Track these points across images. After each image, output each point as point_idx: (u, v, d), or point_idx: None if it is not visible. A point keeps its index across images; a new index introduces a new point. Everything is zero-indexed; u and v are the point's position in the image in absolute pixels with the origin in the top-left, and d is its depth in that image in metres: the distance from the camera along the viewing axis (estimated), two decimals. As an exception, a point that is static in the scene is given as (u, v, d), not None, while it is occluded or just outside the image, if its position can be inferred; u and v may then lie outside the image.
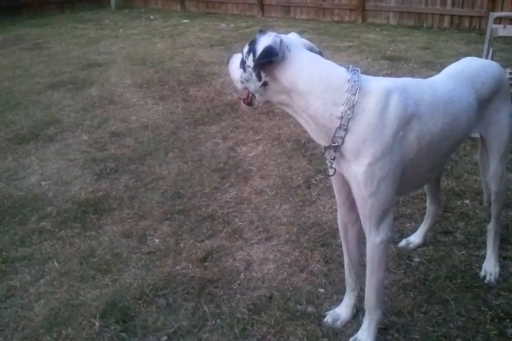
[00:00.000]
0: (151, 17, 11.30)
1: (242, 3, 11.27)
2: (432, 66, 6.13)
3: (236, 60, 1.86)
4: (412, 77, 5.69)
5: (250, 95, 1.86)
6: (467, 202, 3.18)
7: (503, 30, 4.20)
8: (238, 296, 2.46)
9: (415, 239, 2.78)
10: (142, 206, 3.34)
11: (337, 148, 1.79)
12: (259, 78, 1.76)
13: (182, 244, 2.91)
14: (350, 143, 1.76)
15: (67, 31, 9.88)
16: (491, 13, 4.30)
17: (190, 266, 2.71)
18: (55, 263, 2.78)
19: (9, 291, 2.58)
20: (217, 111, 5.01)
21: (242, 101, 1.91)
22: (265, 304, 2.39)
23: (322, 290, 2.48)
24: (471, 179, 3.45)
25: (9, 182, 3.75)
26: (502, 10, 8.06)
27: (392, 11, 9.39)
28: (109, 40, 8.83)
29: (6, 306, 2.48)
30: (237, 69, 1.84)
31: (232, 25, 9.85)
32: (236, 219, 3.14)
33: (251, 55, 1.74)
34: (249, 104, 1.89)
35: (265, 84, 1.77)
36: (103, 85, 6.07)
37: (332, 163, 1.86)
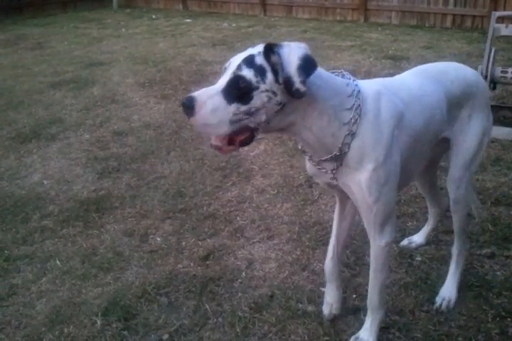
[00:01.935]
0: (153, 16, 11.31)
1: (244, 2, 11.27)
2: (434, 65, 6.11)
3: (210, 99, 1.49)
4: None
5: (248, 134, 1.57)
6: (469, 201, 3.18)
7: (506, 30, 4.19)
8: (240, 295, 2.47)
9: (418, 238, 2.77)
10: (144, 205, 3.35)
11: (339, 158, 1.71)
12: (282, 101, 1.52)
13: (184, 243, 2.92)
14: (355, 149, 1.69)
15: (69, 31, 9.89)
16: (493, 13, 4.29)
17: (192, 264, 2.71)
18: (57, 262, 2.78)
19: (11, 289, 2.59)
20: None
21: (231, 145, 1.59)
22: (267, 303, 2.40)
23: (323, 289, 2.47)
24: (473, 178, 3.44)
25: (11, 180, 3.76)
26: (504, 9, 8.05)
27: (394, 10, 9.38)
28: (111, 40, 8.83)
29: (8, 304, 2.49)
30: (223, 106, 1.49)
31: (234, 25, 9.85)
32: (238, 218, 3.15)
33: (270, 75, 1.49)
34: (246, 142, 1.59)
35: (283, 106, 1.55)
36: (105, 84, 6.07)
37: (335, 174, 1.77)
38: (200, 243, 2.91)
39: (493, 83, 4.34)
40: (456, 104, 2.04)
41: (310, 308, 2.35)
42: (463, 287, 2.41)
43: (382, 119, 1.72)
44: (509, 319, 2.24)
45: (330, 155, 1.71)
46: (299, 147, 1.86)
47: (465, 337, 2.15)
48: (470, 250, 2.69)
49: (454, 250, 2.40)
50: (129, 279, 2.62)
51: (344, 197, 2.01)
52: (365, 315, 2.15)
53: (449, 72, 2.09)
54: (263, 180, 3.61)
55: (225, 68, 1.57)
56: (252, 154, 4.04)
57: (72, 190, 3.59)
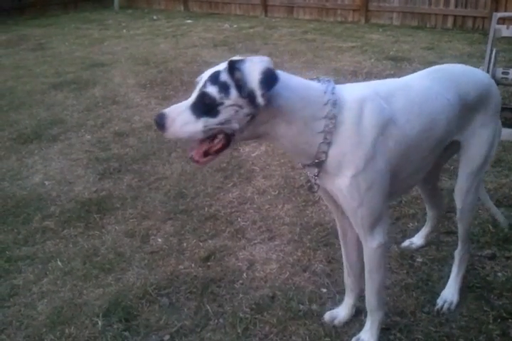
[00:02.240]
0: (155, 17, 11.32)
1: (246, 3, 11.28)
2: (435, 66, 6.11)
3: (179, 116, 1.57)
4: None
5: (223, 141, 1.62)
6: (470, 202, 3.18)
7: (507, 31, 4.19)
8: (241, 296, 2.47)
9: (417, 240, 2.77)
10: (145, 206, 3.35)
11: (320, 164, 1.72)
12: (250, 112, 1.57)
13: (185, 244, 2.92)
14: (333, 157, 1.70)
15: (70, 31, 9.90)
16: (494, 14, 4.29)
17: (193, 265, 2.72)
18: (59, 263, 2.78)
19: (12, 290, 2.59)
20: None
21: (208, 156, 1.65)
22: (268, 303, 2.40)
23: (325, 290, 2.48)
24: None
25: (13, 181, 3.76)
26: (506, 10, 8.04)
27: (395, 11, 9.38)
28: (112, 41, 8.84)
29: (10, 305, 2.49)
30: (192, 121, 1.56)
31: (235, 26, 9.85)
32: (239, 219, 3.15)
33: (233, 90, 1.54)
34: (221, 150, 1.65)
35: (253, 117, 1.58)
36: (106, 85, 6.08)
37: (316, 180, 1.79)
38: (201, 244, 2.91)
39: (495, 84, 4.34)
40: (469, 108, 2.00)
41: (311, 309, 2.35)
42: (464, 288, 2.41)
43: (364, 127, 1.70)
44: (510, 320, 2.23)
45: (310, 161, 1.73)
46: None
47: (466, 338, 2.14)
48: (471, 251, 2.69)
49: (457, 253, 2.38)
50: (130, 280, 2.62)
51: (336, 205, 1.99)
52: (365, 316, 2.15)
53: (463, 75, 2.06)
54: (264, 181, 3.61)
55: (197, 82, 1.63)
56: (253, 155, 4.04)
57: (73, 190, 3.60)
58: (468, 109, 2.00)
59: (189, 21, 10.65)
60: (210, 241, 2.93)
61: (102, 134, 4.60)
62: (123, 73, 6.56)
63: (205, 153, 1.65)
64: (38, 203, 3.42)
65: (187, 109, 1.58)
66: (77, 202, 3.42)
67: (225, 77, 1.56)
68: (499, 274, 2.54)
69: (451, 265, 2.51)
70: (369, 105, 1.72)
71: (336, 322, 2.25)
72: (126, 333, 2.27)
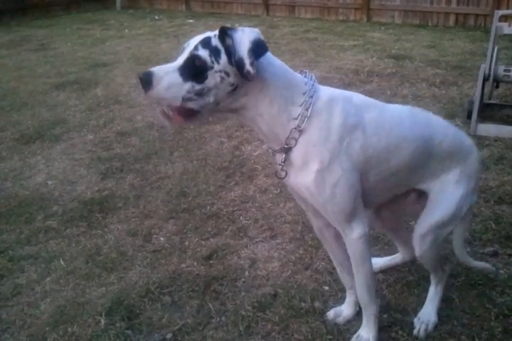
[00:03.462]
0: (156, 17, 11.33)
1: (247, 2, 11.28)
2: (437, 64, 6.11)
3: (166, 75, 1.58)
4: (417, 75, 5.73)
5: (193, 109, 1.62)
6: (472, 200, 3.18)
7: (508, 28, 4.19)
8: (243, 294, 2.47)
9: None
10: (147, 205, 3.36)
11: (288, 151, 1.74)
12: (235, 82, 1.59)
13: (187, 242, 2.93)
14: (301, 146, 1.72)
15: (72, 32, 9.92)
16: (495, 11, 4.28)
17: (195, 264, 2.72)
18: (61, 262, 2.79)
19: (15, 289, 2.60)
20: (222, 111, 5.01)
21: (177, 115, 1.63)
22: (270, 301, 2.40)
23: (327, 288, 2.48)
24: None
25: (15, 181, 3.78)
26: (507, 8, 8.04)
27: (397, 9, 9.38)
28: (114, 41, 8.86)
29: (13, 304, 2.50)
30: (179, 83, 1.57)
31: (237, 25, 9.82)
32: (241, 218, 3.15)
33: (223, 56, 1.57)
34: (190, 117, 1.65)
35: (235, 88, 1.61)
36: (108, 85, 6.09)
37: (283, 166, 1.78)
38: (203, 242, 2.92)
39: (496, 82, 4.34)
40: (439, 158, 1.96)
41: (313, 307, 2.35)
42: (466, 285, 2.42)
43: (332, 124, 1.73)
44: (512, 317, 2.24)
45: (279, 147, 1.75)
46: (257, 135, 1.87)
47: (468, 335, 2.15)
48: (473, 249, 2.70)
49: (433, 279, 2.29)
50: (132, 279, 2.63)
51: (305, 203, 1.98)
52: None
53: (443, 127, 2.00)
54: (266, 180, 3.62)
55: (183, 48, 1.65)
56: (255, 154, 4.05)
57: (75, 190, 3.61)
58: (437, 159, 1.95)
59: (191, 21, 10.66)
60: (212, 240, 2.94)
61: (104, 134, 4.61)
62: (125, 73, 6.58)
63: (183, 113, 1.64)
64: (40, 203, 3.44)
65: (175, 71, 1.58)
66: (79, 202, 3.43)
67: (216, 42, 1.58)
68: (501, 271, 2.53)
69: (452, 262, 2.51)
70: (339, 106, 1.75)
71: (341, 319, 2.26)
72: (129, 331, 2.28)
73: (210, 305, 2.40)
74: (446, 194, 1.99)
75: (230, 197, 3.41)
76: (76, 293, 2.55)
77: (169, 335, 2.25)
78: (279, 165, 1.80)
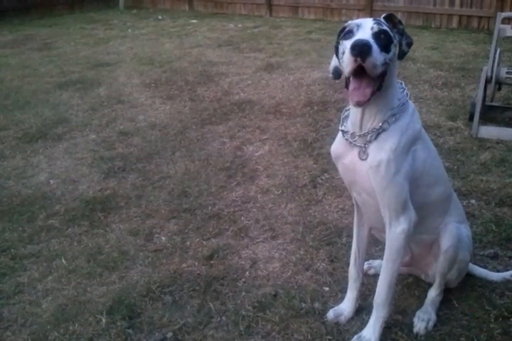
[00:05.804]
0: (160, 17, 11.34)
1: (250, 3, 11.29)
2: (439, 66, 6.11)
3: (374, 44, 1.69)
4: (420, 77, 5.73)
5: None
6: (473, 201, 3.18)
7: (511, 31, 4.19)
8: (243, 294, 2.48)
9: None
10: (149, 204, 3.37)
11: (377, 135, 1.88)
12: (392, 57, 1.80)
13: (188, 242, 2.94)
14: (391, 131, 1.88)
15: (76, 31, 9.94)
16: (498, 13, 4.28)
17: (196, 263, 2.73)
18: (63, 261, 2.81)
19: (17, 288, 2.61)
20: (225, 111, 5.03)
21: (370, 88, 1.76)
22: (270, 302, 2.41)
23: (327, 289, 2.49)
24: (477, 179, 3.44)
25: (18, 180, 3.79)
26: (511, 10, 8.02)
27: (400, 11, 9.36)
28: (117, 40, 8.87)
29: (15, 302, 2.51)
30: (380, 53, 1.70)
31: (240, 26, 9.86)
32: (242, 218, 3.16)
33: (398, 34, 1.86)
34: (372, 93, 1.78)
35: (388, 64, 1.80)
36: (111, 85, 6.11)
37: (366, 148, 1.91)
38: (204, 242, 2.93)
39: (498, 84, 4.34)
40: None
41: (313, 307, 2.36)
42: (466, 287, 2.42)
43: (412, 123, 1.94)
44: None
45: (372, 128, 1.89)
46: (340, 127, 2.01)
47: (467, 337, 2.15)
48: (473, 250, 2.70)
49: (430, 291, 2.32)
50: (133, 278, 2.64)
51: (361, 200, 2.09)
52: (367, 315, 2.16)
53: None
54: (267, 181, 3.63)
55: (352, 28, 1.77)
56: (256, 154, 4.05)
57: (78, 189, 3.62)
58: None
59: (194, 21, 10.67)
60: (213, 240, 2.95)
61: (106, 133, 4.63)
62: (128, 73, 6.59)
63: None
64: (42, 202, 3.45)
65: (374, 42, 1.68)
66: (81, 201, 3.44)
67: (385, 24, 1.81)
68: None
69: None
70: (416, 114, 1.99)
71: (342, 318, 2.26)
72: (130, 330, 2.29)
73: (211, 305, 2.41)
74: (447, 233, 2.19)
75: (232, 197, 3.42)
76: (77, 291, 2.56)
77: (170, 334, 2.26)
78: (361, 147, 1.91)
